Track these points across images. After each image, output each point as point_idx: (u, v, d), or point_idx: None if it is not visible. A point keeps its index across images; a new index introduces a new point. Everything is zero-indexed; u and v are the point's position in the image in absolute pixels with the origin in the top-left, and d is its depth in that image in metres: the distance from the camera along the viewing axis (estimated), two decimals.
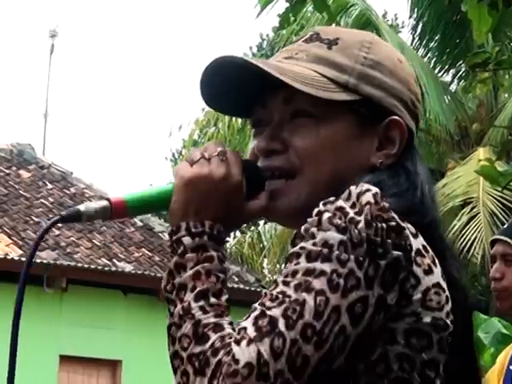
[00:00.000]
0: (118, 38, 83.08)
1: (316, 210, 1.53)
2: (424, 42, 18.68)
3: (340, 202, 1.52)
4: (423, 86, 16.12)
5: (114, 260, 18.03)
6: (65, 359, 15.00)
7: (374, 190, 1.53)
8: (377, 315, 1.49)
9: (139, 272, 16.90)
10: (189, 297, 1.54)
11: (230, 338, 1.48)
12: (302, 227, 1.53)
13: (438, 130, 18.17)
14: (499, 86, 15.45)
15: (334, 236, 1.48)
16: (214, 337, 1.49)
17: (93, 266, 17.38)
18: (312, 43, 1.74)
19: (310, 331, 1.44)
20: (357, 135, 1.70)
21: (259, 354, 1.43)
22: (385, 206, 1.52)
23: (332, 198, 1.54)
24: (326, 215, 1.51)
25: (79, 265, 17.28)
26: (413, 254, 1.54)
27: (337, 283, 1.46)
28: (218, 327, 1.50)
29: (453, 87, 19.32)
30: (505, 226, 4.17)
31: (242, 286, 17.94)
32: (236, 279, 18.35)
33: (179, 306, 1.54)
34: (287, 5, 8.27)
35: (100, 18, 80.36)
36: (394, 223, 1.51)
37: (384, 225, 1.50)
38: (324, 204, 1.53)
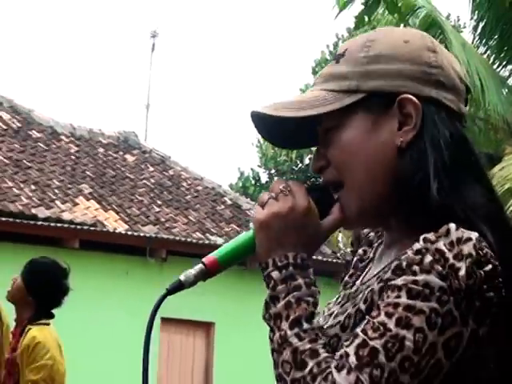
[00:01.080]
0: (211, 37, 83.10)
1: (416, 248, 1.49)
2: (484, 41, 18.53)
3: (440, 245, 1.47)
4: (483, 79, 16.10)
5: (207, 234, 18.07)
6: (165, 321, 15.04)
7: (474, 237, 1.48)
8: (469, 348, 1.47)
9: None
10: (284, 325, 1.52)
11: (327, 362, 1.46)
12: (404, 262, 1.49)
13: (496, 120, 18.06)
14: None
15: (435, 281, 1.45)
16: (311, 363, 1.46)
17: (189, 240, 17.46)
18: (329, 64, 1.71)
19: (408, 364, 1.42)
20: (374, 127, 1.63)
21: (359, 381, 1.41)
22: (483, 253, 1.47)
23: (431, 237, 1.48)
24: (428, 258, 1.46)
25: (177, 238, 17.37)
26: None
27: (435, 322, 1.43)
28: (314, 353, 1.48)
29: (510, 81, 19.25)
30: None
31: (320, 258, 17.85)
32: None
33: (277, 334, 1.53)
34: (362, 7, 8.16)
35: (197, 18, 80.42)
36: (490, 267, 1.47)
37: (482, 272, 1.46)
38: (424, 241, 1.49)
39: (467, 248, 1.46)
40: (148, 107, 27.44)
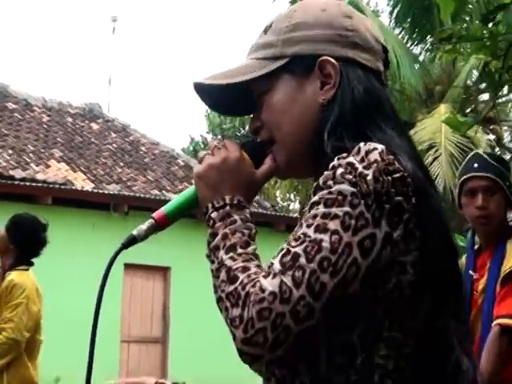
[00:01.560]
0: (165, 20, 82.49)
1: (331, 165, 1.47)
2: (398, 24, 19.12)
3: (350, 158, 1.45)
4: (398, 56, 16.68)
5: (163, 191, 18.07)
6: (128, 266, 15.05)
7: (380, 147, 1.46)
8: (384, 249, 1.43)
9: None
10: (221, 253, 1.49)
11: (256, 274, 1.43)
12: (320, 180, 1.47)
13: (410, 91, 18.60)
14: (458, 55, 15.42)
15: (346, 188, 1.42)
16: (241, 276, 1.44)
17: (147, 196, 17.44)
18: (259, 36, 1.68)
19: (326, 263, 1.38)
20: (299, 88, 1.61)
21: (282, 283, 1.38)
22: (390, 161, 1.45)
23: (344, 154, 1.47)
24: (340, 170, 1.44)
25: (137, 195, 17.33)
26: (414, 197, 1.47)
27: (348, 224, 1.40)
28: (245, 269, 1.45)
29: (421, 58, 19.82)
30: (475, 165, 3.98)
31: (260, 211, 17.93)
32: (256, 205, 18.35)
33: (216, 262, 1.50)
34: None
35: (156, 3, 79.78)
36: (398, 175, 1.45)
37: (389, 177, 1.43)
38: (338, 159, 1.47)
39: (373, 156, 1.44)
40: (110, 82, 27.61)
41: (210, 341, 15.50)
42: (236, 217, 1.53)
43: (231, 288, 1.43)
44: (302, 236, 1.42)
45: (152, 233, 1.60)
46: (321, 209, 1.43)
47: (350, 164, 1.44)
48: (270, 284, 1.38)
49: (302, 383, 1.48)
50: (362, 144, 1.47)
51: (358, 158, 1.45)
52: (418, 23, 18.68)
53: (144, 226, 1.60)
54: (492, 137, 20.57)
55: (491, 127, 20.16)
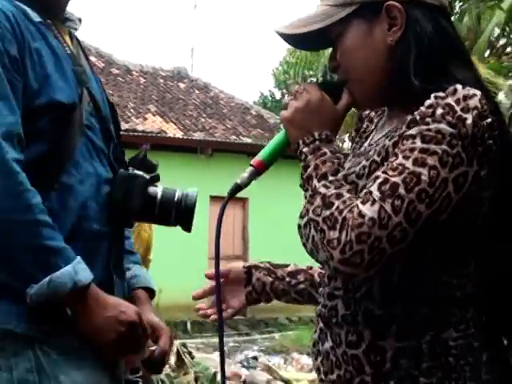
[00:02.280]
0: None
1: (428, 103, 1.35)
2: None
3: (449, 100, 1.34)
4: None
5: (240, 136, 17.99)
6: (213, 198, 15.04)
7: (479, 94, 1.35)
8: (473, 185, 1.35)
9: (256, 143, 16.79)
10: (314, 181, 1.40)
11: (351, 200, 1.33)
12: (417, 115, 1.36)
13: None
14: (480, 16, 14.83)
15: (446, 128, 1.32)
16: (337, 202, 1.34)
17: (227, 141, 17.42)
18: None
19: (424, 195, 1.30)
20: (368, 31, 1.48)
21: (382, 209, 1.29)
22: (485, 107, 1.35)
23: (442, 94, 1.35)
24: (440, 110, 1.33)
25: (219, 140, 17.33)
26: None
27: (446, 161, 1.31)
28: (338, 195, 1.35)
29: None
30: None
31: None
32: None
33: (309, 190, 1.40)
34: None
35: None
36: (490, 120, 1.35)
37: (485, 123, 1.34)
38: (435, 98, 1.35)
39: (473, 102, 1.34)
40: (192, 50, 28.36)
41: (284, 256, 15.51)
42: (325, 149, 1.43)
43: (327, 213, 1.34)
44: (400, 167, 1.31)
45: (253, 179, 1.51)
46: (418, 143, 1.32)
47: (449, 106, 1.33)
48: (369, 210, 1.29)
49: (369, 288, 1.41)
50: (459, 86, 1.36)
51: (455, 99, 1.34)
52: None
53: (246, 174, 1.51)
54: None
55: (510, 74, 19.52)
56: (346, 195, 1.35)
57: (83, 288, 1.63)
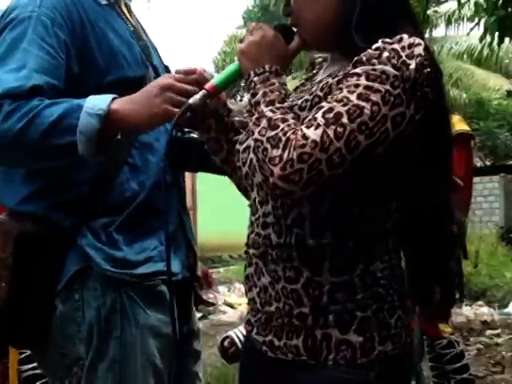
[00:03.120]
0: None
1: (376, 46, 1.39)
2: None
3: (395, 46, 1.38)
4: None
5: None
6: None
7: (423, 43, 1.40)
8: (409, 126, 1.38)
9: None
10: (262, 106, 1.41)
11: (295, 125, 1.36)
12: (363, 57, 1.39)
13: None
14: None
15: (390, 70, 1.35)
16: (282, 125, 1.36)
17: None
18: None
19: (364, 127, 1.32)
20: None
21: (325, 134, 1.31)
22: (427, 57, 1.40)
23: (389, 40, 1.39)
24: (386, 54, 1.37)
25: None
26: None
27: (387, 100, 1.34)
28: (284, 120, 1.37)
29: None
30: None
31: None
32: None
33: (256, 114, 1.41)
34: None
35: None
36: (429, 69, 1.39)
37: (425, 71, 1.38)
38: (383, 42, 1.39)
39: (417, 50, 1.38)
40: None
41: (233, 207, 15.80)
42: (274, 80, 1.45)
43: (272, 133, 1.36)
44: (345, 99, 1.34)
45: (205, 100, 1.53)
46: (363, 81, 1.35)
47: (395, 50, 1.37)
48: (312, 133, 1.31)
49: (300, 213, 1.45)
50: (405, 35, 1.40)
51: (401, 45, 1.38)
52: None
53: (198, 96, 1.53)
54: None
55: None
56: (291, 120, 1.37)
57: (108, 110, 1.63)
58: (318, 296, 1.44)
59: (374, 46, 1.39)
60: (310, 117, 1.36)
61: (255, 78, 1.45)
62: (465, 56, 17.89)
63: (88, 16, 1.76)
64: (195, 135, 1.80)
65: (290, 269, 1.46)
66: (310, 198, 1.40)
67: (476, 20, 7.41)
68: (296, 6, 1.54)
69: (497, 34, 6.50)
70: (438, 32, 18.95)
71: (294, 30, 1.57)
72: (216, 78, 1.55)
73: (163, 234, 1.70)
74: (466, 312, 8.00)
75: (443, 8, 15.34)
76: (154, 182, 1.82)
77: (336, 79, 1.45)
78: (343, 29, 1.48)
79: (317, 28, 1.53)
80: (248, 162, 1.54)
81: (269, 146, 1.35)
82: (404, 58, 1.37)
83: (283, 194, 1.35)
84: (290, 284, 1.45)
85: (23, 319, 1.77)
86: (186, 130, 1.82)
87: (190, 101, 1.52)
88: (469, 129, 4.27)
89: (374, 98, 1.34)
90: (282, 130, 1.36)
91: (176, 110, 1.57)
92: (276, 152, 1.33)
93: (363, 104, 1.33)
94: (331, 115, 1.33)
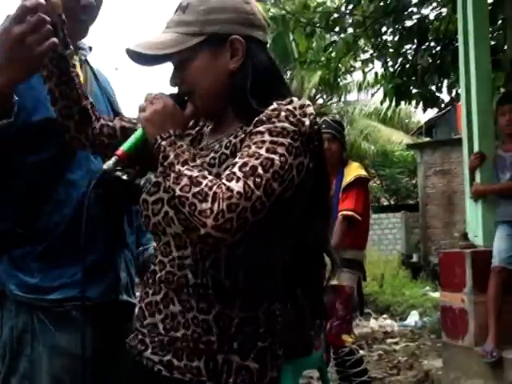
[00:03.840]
0: None
1: (272, 107, 1.36)
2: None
3: (289, 106, 1.36)
4: None
5: None
6: None
7: (311, 105, 1.40)
8: (306, 174, 1.36)
9: None
10: (177, 166, 1.33)
11: (216, 179, 1.30)
12: (263, 117, 1.35)
13: None
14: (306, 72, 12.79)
15: (289, 127, 1.33)
16: (204, 181, 1.29)
17: None
18: (177, 13, 1.49)
19: (277, 175, 1.30)
20: (213, 57, 1.45)
21: (246, 185, 1.27)
22: (315, 116, 1.39)
23: (282, 102, 1.37)
24: (283, 113, 1.34)
25: None
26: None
27: (291, 151, 1.32)
28: (204, 177, 1.30)
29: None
30: (323, 126, 4.15)
31: None
32: None
33: (172, 175, 1.33)
34: None
35: None
36: (317, 127, 1.38)
37: (315, 127, 1.37)
38: (278, 104, 1.37)
39: (309, 110, 1.37)
40: None
41: None
42: (181, 142, 1.38)
43: (197, 189, 1.28)
44: (256, 154, 1.30)
45: (117, 165, 1.44)
46: (267, 137, 1.32)
47: (290, 110, 1.35)
48: (235, 185, 1.27)
49: (216, 257, 1.40)
50: (294, 98, 1.39)
51: (293, 106, 1.36)
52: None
53: (111, 162, 1.42)
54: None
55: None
56: (210, 176, 1.31)
57: None
58: (227, 327, 1.39)
59: (270, 108, 1.37)
60: (228, 172, 1.30)
61: (163, 142, 1.37)
62: (373, 116, 18.52)
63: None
64: (122, 175, 1.73)
65: (203, 301, 1.40)
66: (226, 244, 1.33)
67: (377, 87, 7.80)
68: (190, 77, 1.47)
69: (394, 98, 6.84)
70: (352, 96, 19.40)
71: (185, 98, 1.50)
72: (124, 144, 1.45)
73: (83, 262, 1.61)
74: (372, 324, 8.15)
75: (355, 76, 15.74)
76: (76, 215, 1.68)
77: (238, 138, 1.42)
78: (235, 98, 1.45)
79: (210, 96, 1.47)
80: (162, 213, 1.44)
81: (196, 201, 1.27)
82: (298, 116, 1.35)
83: (215, 242, 1.28)
84: (202, 314, 1.39)
85: None
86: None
87: (105, 166, 1.42)
88: (366, 173, 4.36)
89: (280, 150, 1.31)
90: (207, 185, 1.28)
91: (44, 45, 1.40)
92: (205, 205, 1.26)
93: (272, 156, 1.30)
94: (247, 168, 1.29)
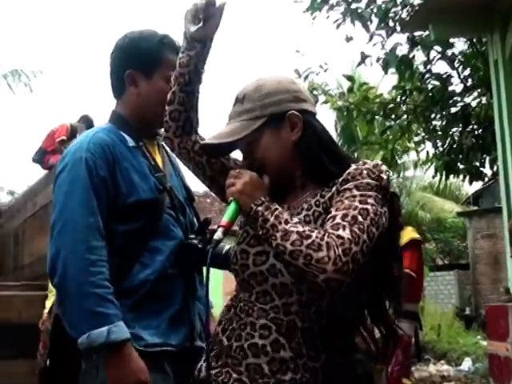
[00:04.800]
0: None
1: (354, 167, 1.32)
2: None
3: (367, 166, 1.31)
4: None
5: None
6: None
7: (384, 164, 1.35)
8: (385, 220, 1.30)
9: None
10: (282, 226, 1.26)
11: (322, 231, 1.24)
12: (348, 176, 1.31)
13: None
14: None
15: (372, 182, 1.29)
16: (313, 234, 1.23)
17: None
18: (236, 106, 1.42)
19: (374, 221, 1.25)
20: (276, 134, 1.38)
21: (353, 232, 1.22)
22: (388, 172, 1.34)
23: (360, 163, 1.33)
24: (365, 171, 1.30)
25: None
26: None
27: (377, 201, 1.27)
28: (311, 230, 1.24)
29: None
30: None
31: None
32: None
33: (279, 233, 1.26)
34: None
35: None
36: (388, 182, 1.32)
37: (389, 182, 1.32)
38: (357, 165, 1.32)
39: (383, 167, 1.32)
40: None
41: None
42: (274, 206, 1.32)
43: (309, 241, 1.22)
44: (352, 205, 1.26)
45: (225, 235, 1.36)
46: (355, 192, 1.28)
47: (370, 169, 1.30)
48: (344, 233, 1.21)
49: (320, 305, 1.30)
50: (367, 160, 1.35)
51: (370, 166, 1.32)
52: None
53: (219, 233, 1.34)
54: None
55: None
56: (316, 230, 1.25)
57: (115, 343, 1.50)
58: (332, 374, 1.30)
59: (352, 168, 1.32)
60: (331, 223, 1.24)
61: (259, 208, 1.31)
62: (427, 189, 18.24)
63: (115, 157, 1.67)
64: (197, 244, 1.69)
65: (312, 350, 1.29)
66: (330, 292, 1.26)
67: (428, 164, 7.69)
68: (258, 155, 1.39)
69: (444, 173, 6.72)
70: (409, 172, 19.40)
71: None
72: (225, 216, 1.37)
73: (166, 314, 1.63)
74: (431, 368, 7.78)
75: (411, 155, 15.64)
76: (158, 275, 1.66)
77: (326, 197, 1.34)
78: (308, 162, 1.38)
79: (280, 167, 1.39)
80: (267, 264, 1.32)
81: (311, 252, 1.21)
82: (377, 173, 1.31)
83: (338, 283, 1.22)
84: (312, 362, 1.29)
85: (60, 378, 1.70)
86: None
87: (215, 237, 1.34)
88: (419, 236, 4.24)
89: (370, 200, 1.27)
90: (317, 237, 1.22)
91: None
92: (322, 254, 1.20)
93: (366, 206, 1.26)
94: (349, 218, 1.24)
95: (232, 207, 1.38)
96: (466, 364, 7.86)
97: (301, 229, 1.25)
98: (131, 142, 1.74)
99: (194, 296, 1.76)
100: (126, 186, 1.67)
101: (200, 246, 1.68)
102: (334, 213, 1.26)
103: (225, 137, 1.39)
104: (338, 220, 1.24)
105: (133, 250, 1.67)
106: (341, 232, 1.22)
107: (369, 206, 1.26)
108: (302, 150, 1.38)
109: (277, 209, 1.31)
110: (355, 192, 1.28)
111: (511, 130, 4.63)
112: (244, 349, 1.32)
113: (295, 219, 1.29)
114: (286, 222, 1.27)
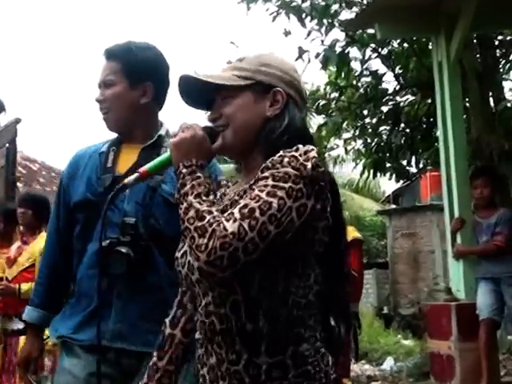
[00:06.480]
0: None
1: (278, 155, 1.28)
2: None
3: (294, 153, 1.28)
4: None
5: None
6: None
7: (315, 150, 1.30)
8: (310, 215, 1.26)
9: None
10: (190, 198, 1.28)
11: (219, 217, 1.23)
12: (269, 163, 1.28)
13: None
14: None
15: (291, 171, 1.25)
16: (208, 216, 1.23)
17: None
18: (234, 62, 1.47)
19: (273, 218, 1.21)
20: (255, 101, 1.40)
21: (241, 227, 1.20)
22: (319, 159, 1.29)
23: (288, 150, 1.29)
24: (287, 159, 1.27)
25: None
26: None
27: (291, 194, 1.23)
28: (210, 212, 1.24)
29: None
30: None
31: None
32: None
33: (185, 204, 1.27)
34: None
35: None
36: (322, 169, 1.28)
37: (319, 169, 1.27)
38: (283, 152, 1.29)
39: (312, 154, 1.27)
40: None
41: None
42: (200, 174, 1.32)
43: (199, 224, 1.23)
44: (257, 197, 1.23)
45: (137, 182, 1.41)
46: (270, 181, 1.25)
47: (294, 157, 1.27)
48: (231, 226, 1.20)
49: (235, 300, 1.29)
50: (300, 145, 1.30)
51: (298, 153, 1.28)
52: None
53: (132, 177, 1.39)
54: None
55: None
56: (215, 213, 1.25)
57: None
58: (256, 374, 1.28)
59: (276, 156, 1.29)
60: (230, 211, 1.24)
61: (184, 170, 1.32)
62: (346, 186, 18.77)
63: (78, 167, 2.01)
64: (121, 249, 1.84)
65: (232, 353, 1.30)
66: (240, 282, 1.27)
67: (357, 161, 7.98)
68: (230, 112, 1.40)
69: (372, 171, 7.01)
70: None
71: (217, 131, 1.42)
72: (149, 164, 1.41)
73: (81, 312, 1.92)
74: (355, 369, 7.96)
75: (332, 152, 15.99)
76: (80, 276, 1.95)
77: (248, 185, 1.34)
78: (264, 139, 1.38)
79: (241, 133, 1.39)
80: (186, 264, 1.37)
81: (196, 235, 1.22)
82: (301, 160, 1.26)
83: (208, 275, 1.24)
84: (233, 366, 1.30)
85: None
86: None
87: (126, 181, 1.40)
88: (360, 236, 4.48)
89: (280, 193, 1.23)
90: (208, 221, 1.23)
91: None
92: (202, 241, 1.21)
93: (271, 199, 1.22)
94: (246, 210, 1.22)
95: (161, 157, 1.41)
96: (388, 363, 8.14)
97: (202, 207, 1.26)
98: (104, 148, 2.00)
99: (126, 296, 1.88)
100: (73, 190, 1.97)
101: (123, 250, 1.83)
102: (240, 200, 1.28)
103: (209, 78, 1.40)
104: (235, 210, 1.24)
105: (77, 251, 1.96)
106: (229, 224, 1.21)
107: (274, 200, 1.23)
108: (269, 131, 1.39)
109: (199, 177, 1.31)
110: (269, 182, 1.25)
111: (454, 128, 4.90)
112: (199, 361, 1.38)
113: (211, 197, 1.29)
114: (197, 196, 1.28)
